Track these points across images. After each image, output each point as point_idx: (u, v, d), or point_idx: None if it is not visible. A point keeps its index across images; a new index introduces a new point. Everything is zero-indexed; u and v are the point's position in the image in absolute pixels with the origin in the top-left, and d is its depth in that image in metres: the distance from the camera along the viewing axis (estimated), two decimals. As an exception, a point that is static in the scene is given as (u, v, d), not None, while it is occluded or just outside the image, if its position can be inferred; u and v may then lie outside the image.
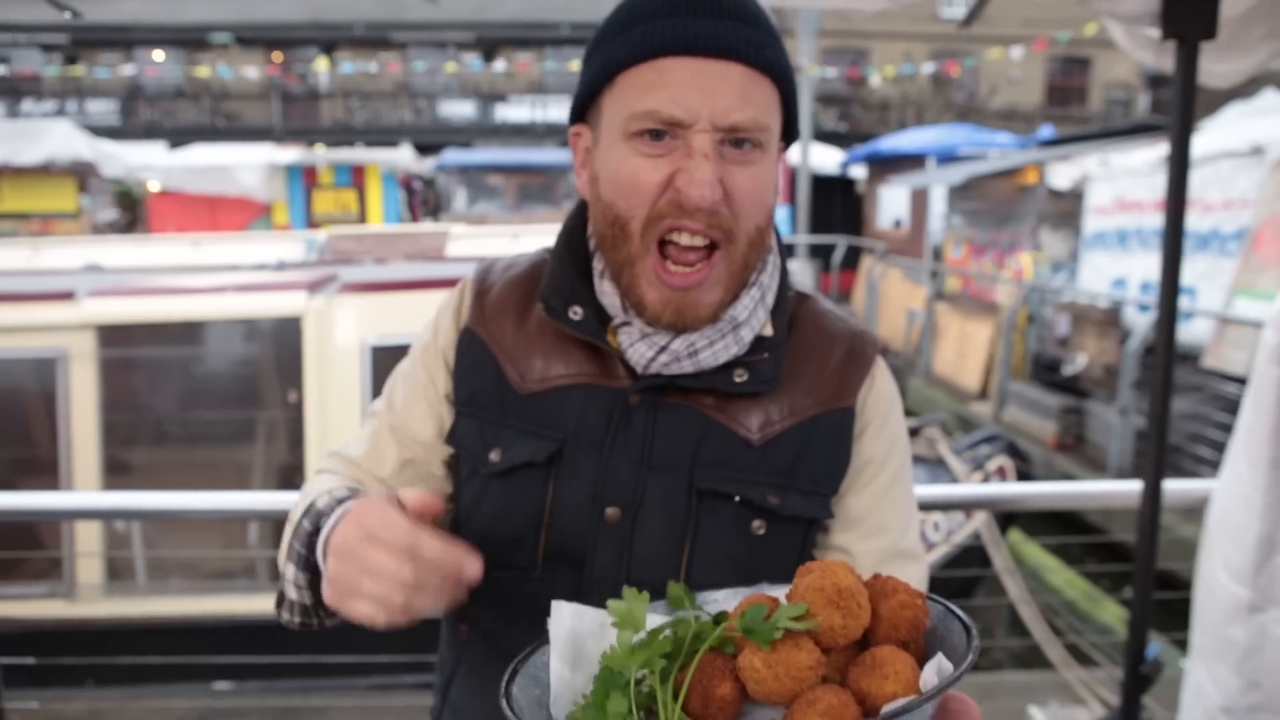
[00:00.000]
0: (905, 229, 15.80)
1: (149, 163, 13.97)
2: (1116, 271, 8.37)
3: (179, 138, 19.28)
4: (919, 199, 14.92)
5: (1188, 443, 6.16)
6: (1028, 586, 3.65)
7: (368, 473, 1.04)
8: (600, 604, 0.87)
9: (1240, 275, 6.33)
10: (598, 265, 1.00)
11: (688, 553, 0.94)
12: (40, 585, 3.86)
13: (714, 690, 0.67)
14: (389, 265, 5.26)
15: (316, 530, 0.88)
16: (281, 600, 0.94)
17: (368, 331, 3.93)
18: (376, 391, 2.47)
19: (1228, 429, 5.21)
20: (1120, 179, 8.33)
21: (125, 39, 26.61)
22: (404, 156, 15.04)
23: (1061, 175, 9.37)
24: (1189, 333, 6.42)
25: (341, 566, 0.77)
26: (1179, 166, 1.68)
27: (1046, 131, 15.32)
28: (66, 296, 3.91)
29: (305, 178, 14.25)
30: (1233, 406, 5.19)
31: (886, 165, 15.67)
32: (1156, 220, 7.74)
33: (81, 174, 13.56)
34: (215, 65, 22.06)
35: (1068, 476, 7.18)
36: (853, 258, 15.31)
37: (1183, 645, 2.07)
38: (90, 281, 4.30)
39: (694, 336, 0.94)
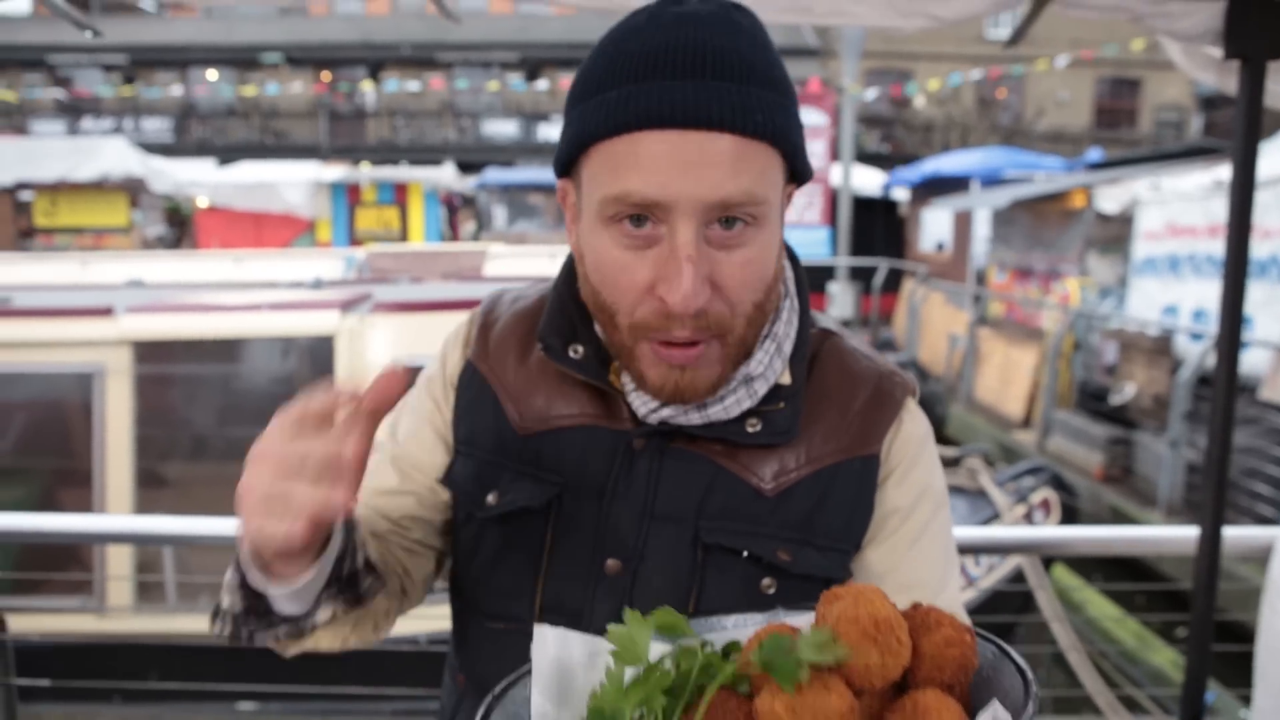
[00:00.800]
0: (948, 252, 15.58)
1: (197, 179, 14.28)
2: (1168, 298, 8.13)
3: (229, 155, 19.72)
4: (962, 222, 14.71)
5: (1243, 478, 5.93)
6: (1072, 625, 3.50)
7: (362, 504, 0.98)
8: None
9: (1300, 304, 6.11)
10: None
11: (691, 611, 0.87)
12: (70, 599, 3.88)
13: None
14: (425, 284, 5.26)
15: None
16: (217, 611, 0.85)
17: (400, 351, 3.91)
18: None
19: (1287, 466, 5.00)
20: (1172, 203, 8.11)
21: (181, 59, 27.41)
22: (446, 175, 15.19)
23: (1110, 199, 9.15)
24: (1246, 363, 6.19)
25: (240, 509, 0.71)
26: (1242, 191, 1.58)
27: (1094, 154, 15.04)
28: (105, 313, 3.95)
29: (349, 195, 14.44)
30: (1293, 442, 4.98)
31: (929, 188, 15.49)
32: (1210, 246, 7.50)
33: (133, 190, 13.89)
34: (265, 84, 22.57)
35: (1116, 510, 6.95)
36: (894, 281, 15.12)
37: (1246, 700, 1.94)
38: (129, 297, 4.35)
39: None
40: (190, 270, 6.94)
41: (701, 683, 0.60)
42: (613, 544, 0.88)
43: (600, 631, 0.83)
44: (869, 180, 17.33)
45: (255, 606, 0.79)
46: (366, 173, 14.98)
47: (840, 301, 13.98)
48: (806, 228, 14.63)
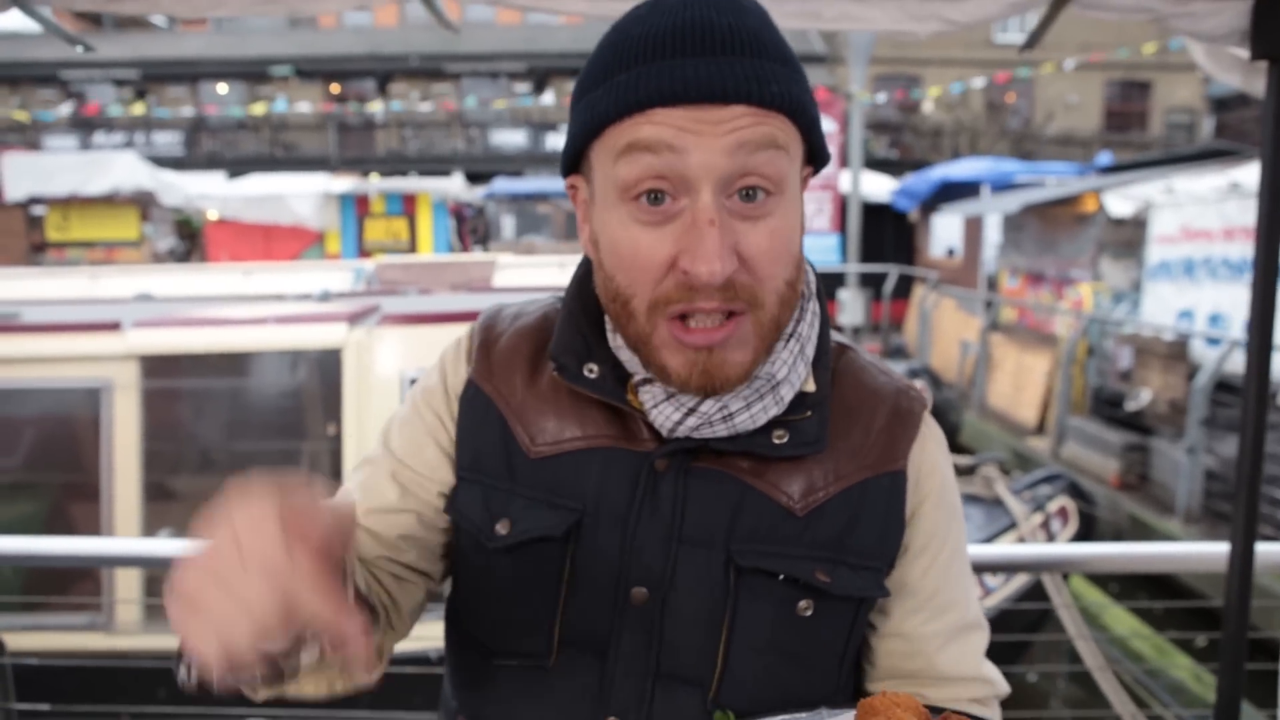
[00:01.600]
0: (959, 258, 15.49)
1: (207, 192, 14.33)
2: (1183, 303, 8.04)
3: (239, 167, 19.81)
4: (973, 227, 14.64)
5: (1266, 486, 5.84)
6: (1086, 632, 3.43)
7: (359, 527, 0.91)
8: (628, 698, 0.82)
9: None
10: (610, 321, 0.88)
11: (725, 638, 0.83)
12: (78, 617, 3.85)
13: None
14: (433, 296, 5.23)
15: None
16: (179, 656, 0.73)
17: (407, 364, 3.88)
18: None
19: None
20: (1186, 206, 8.02)
21: (191, 73, 27.58)
22: (454, 185, 15.20)
23: (1123, 203, 9.06)
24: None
25: (194, 570, 0.60)
26: (1272, 193, 1.53)
27: (1105, 158, 14.94)
28: (113, 327, 3.93)
29: (357, 206, 14.46)
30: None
31: (939, 193, 15.42)
32: (1226, 249, 7.42)
33: (144, 203, 13.95)
34: (274, 97, 22.68)
35: (1134, 518, 6.85)
36: (904, 287, 15.03)
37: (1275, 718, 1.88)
38: (136, 311, 4.34)
39: (727, 397, 0.82)
40: (199, 284, 6.94)
41: None
42: (638, 572, 0.84)
43: (628, 664, 0.84)
44: (878, 186, 17.27)
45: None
46: (375, 184, 15.00)
47: (851, 308, 13.90)
48: (816, 235, 14.56)
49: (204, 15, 1.47)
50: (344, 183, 14.86)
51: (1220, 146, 10.76)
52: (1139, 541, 5.74)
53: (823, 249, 14.60)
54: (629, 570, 0.84)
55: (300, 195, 13.98)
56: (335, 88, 27.69)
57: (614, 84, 0.76)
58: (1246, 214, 7.17)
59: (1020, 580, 4.36)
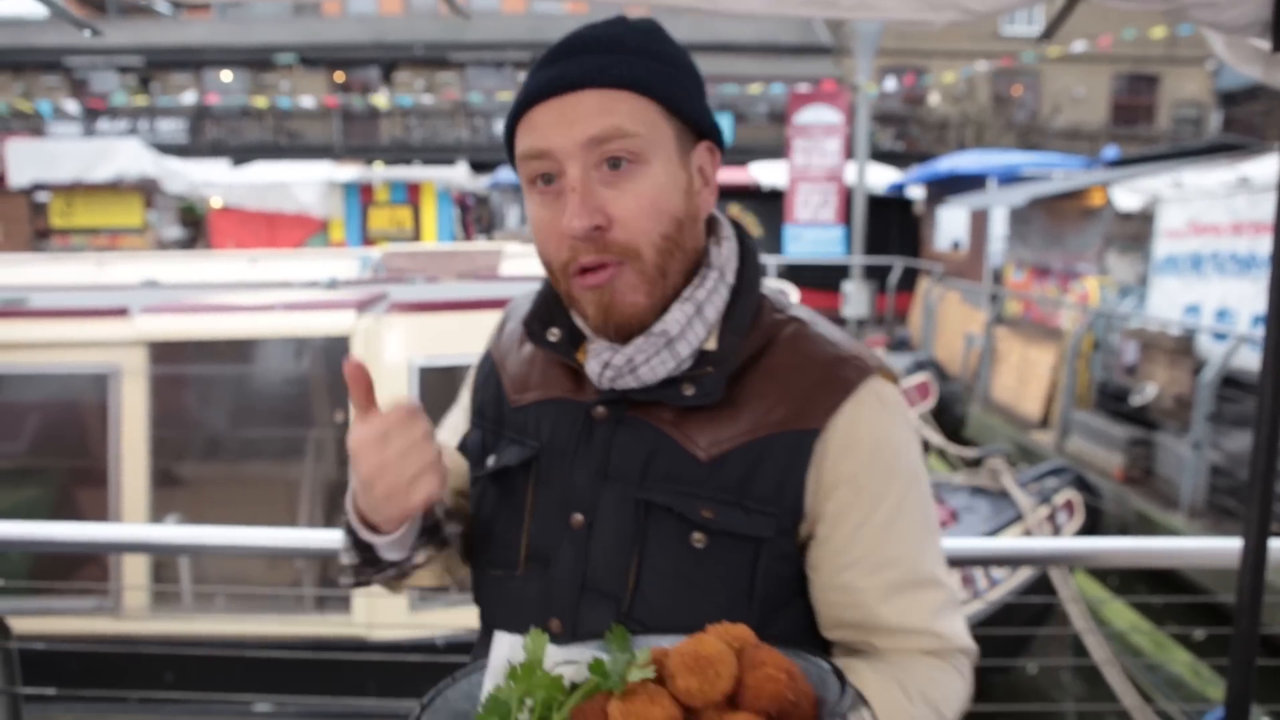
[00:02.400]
0: (964, 251, 15.44)
1: (211, 179, 14.31)
2: (1189, 298, 8.02)
3: (243, 155, 19.75)
4: (979, 220, 14.59)
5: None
6: (1093, 626, 3.43)
7: None
8: (564, 604, 0.99)
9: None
10: None
11: (636, 563, 0.98)
12: (85, 601, 3.87)
13: None
14: (440, 284, 5.23)
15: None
16: (341, 569, 1.05)
17: (415, 352, 3.88)
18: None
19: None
20: (1194, 201, 8.00)
21: (196, 60, 27.51)
22: (459, 174, 15.17)
23: (1130, 197, 9.03)
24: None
25: (377, 476, 0.91)
26: (1289, 191, 1.51)
27: (1111, 152, 14.87)
28: (121, 313, 3.94)
29: (362, 195, 14.44)
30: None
31: (945, 186, 15.37)
32: (1234, 244, 7.39)
33: (148, 190, 13.94)
34: (278, 85, 22.61)
35: (1140, 512, 6.85)
36: (909, 280, 15.00)
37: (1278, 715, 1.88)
38: (144, 298, 4.34)
39: (630, 351, 0.97)
40: (205, 270, 6.94)
41: (588, 689, 0.74)
42: (576, 501, 1.01)
43: (564, 577, 1.01)
44: (884, 178, 17.21)
45: (367, 557, 1.01)
46: (379, 172, 14.97)
47: (855, 300, 13.87)
48: (821, 226, 14.53)
49: (207, 1, 1.47)
50: (348, 171, 14.83)
51: (1228, 140, 10.72)
52: (1144, 536, 5.73)
53: (827, 240, 14.57)
54: (570, 499, 1.01)
55: (304, 183, 13.96)
56: (340, 76, 27.61)
57: (515, 99, 0.97)
58: (1255, 209, 7.15)
59: (1026, 573, 4.36)
